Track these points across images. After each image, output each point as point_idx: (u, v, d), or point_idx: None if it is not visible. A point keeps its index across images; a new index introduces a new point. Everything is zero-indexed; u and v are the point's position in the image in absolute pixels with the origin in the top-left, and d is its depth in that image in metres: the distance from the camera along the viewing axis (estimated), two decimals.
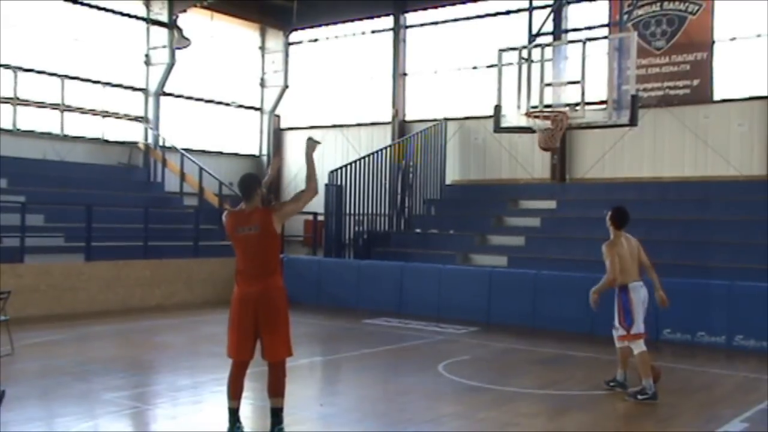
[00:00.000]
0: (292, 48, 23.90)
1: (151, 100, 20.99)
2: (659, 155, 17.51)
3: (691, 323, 12.21)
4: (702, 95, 16.89)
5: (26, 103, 18.54)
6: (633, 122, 13.29)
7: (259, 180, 6.68)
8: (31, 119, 18.64)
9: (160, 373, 9.98)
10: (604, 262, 8.67)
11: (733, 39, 16.66)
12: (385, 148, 19.65)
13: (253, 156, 24.20)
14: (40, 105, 18.84)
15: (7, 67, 18.05)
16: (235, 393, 6.41)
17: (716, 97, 16.84)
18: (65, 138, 19.26)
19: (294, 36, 23.81)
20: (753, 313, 11.70)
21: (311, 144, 6.61)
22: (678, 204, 16.15)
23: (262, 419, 6.64)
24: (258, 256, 6.29)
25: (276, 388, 6.32)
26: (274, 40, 23.92)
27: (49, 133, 18.97)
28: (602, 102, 14.02)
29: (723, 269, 13.34)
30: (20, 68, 18.31)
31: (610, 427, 7.35)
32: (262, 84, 24.12)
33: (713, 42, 16.79)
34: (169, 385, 9.11)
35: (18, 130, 18.33)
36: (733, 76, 16.68)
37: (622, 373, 8.73)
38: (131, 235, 16.52)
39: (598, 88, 13.97)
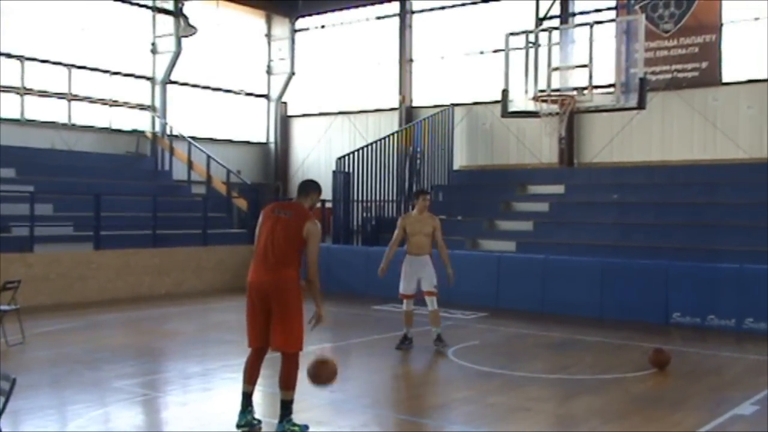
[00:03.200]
0: (298, 35, 23.83)
1: (157, 88, 21.00)
2: (668, 139, 17.42)
3: (701, 307, 12.19)
4: (711, 78, 16.78)
5: (33, 92, 18.57)
6: (641, 106, 13.23)
7: (319, 188, 6.76)
8: (38, 109, 18.68)
9: (170, 361, 10.01)
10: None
11: (741, 21, 16.52)
12: (393, 134, 19.60)
13: (261, 144, 24.19)
14: (48, 94, 18.87)
15: (14, 56, 18.06)
16: (250, 377, 6.47)
17: (725, 79, 16.72)
18: (73, 127, 19.30)
19: (300, 23, 23.74)
20: (763, 295, 11.66)
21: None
22: (687, 187, 16.08)
23: (272, 407, 6.66)
24: (280, 243, 6.29)
25: (285, 381, 6.32)
26: (280, 28, 23.86)
27: (56, 123, 19.00)
28: (610, 86, 13.95)
29: (732, 252, 13.29)
30: (27, 58, 18.33)
31: (621, 410, 7.34)
32: (269, 71, 24.09)
33: (721, 24, 16.65)
34: (180, 372, 9.14)
35: (25, 119, 18.37)
36: (742, 58, 16.55)
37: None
38: (140, 223, 16.55)
39: (605, 72, 13.90)
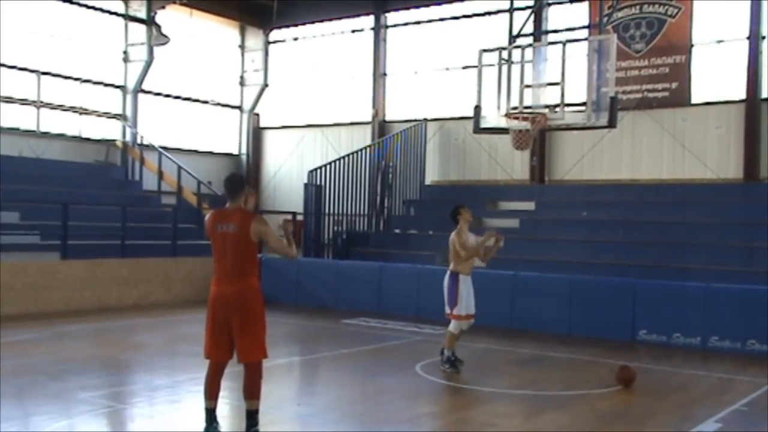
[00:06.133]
0: (271, 47, 23.82)
1: (129, 97, 20.85)
2: (637, 158, 17.64)
3: (667, 324, 12.31)
4: (680, 98, 17.04)
5: (2, 99, 18.32)
6: (612, 124, 13.36)
7: (244, 180, 6.62)
8: (6, 115, 18.42)
9: (137, 373, 9.90)
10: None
11: (711, 42, 16.82)
12: (365, 148, 19.63)
13: (232, 155, 24.09)
14: (16, 101, 18.64)
15: None
16: (212, 393, 6.38)
17: (694, 100, 17.00)
18: (42, 135, 19.09)
19: (274, 35, 23.73)
20: (728, 314, 11.82)
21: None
22: (655, 206, 16.29)
23: (239, 419, 6.61)
24: (233, 256, 6.24)
25: (251, 390, 6.27)
26: (254, 39, 23.83)
27: (25, 130, 18.77)
28: (581, 104, 14.07)
29: (700, 271, 13.46)
30: None
31: (586, 427, 7.38)
32: (242, 83, 24.03)
33: (692, 45, 16.95)
34: (146, 384, 9.04)
35: None
36: (711, 79, 16.85)
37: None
38: (108, 233, 16.38)
39: (577, 90, 14.03)
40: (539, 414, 7.86)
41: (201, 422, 6.41)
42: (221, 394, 6.49)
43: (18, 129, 18.64)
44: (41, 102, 19.09)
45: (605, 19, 17.32)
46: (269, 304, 6.46)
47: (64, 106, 19.57)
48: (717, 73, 16.78)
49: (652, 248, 14.97)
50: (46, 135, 19.17)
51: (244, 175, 6.12)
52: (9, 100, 18.46)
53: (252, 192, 6.61)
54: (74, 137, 19.82)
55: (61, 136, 19.51)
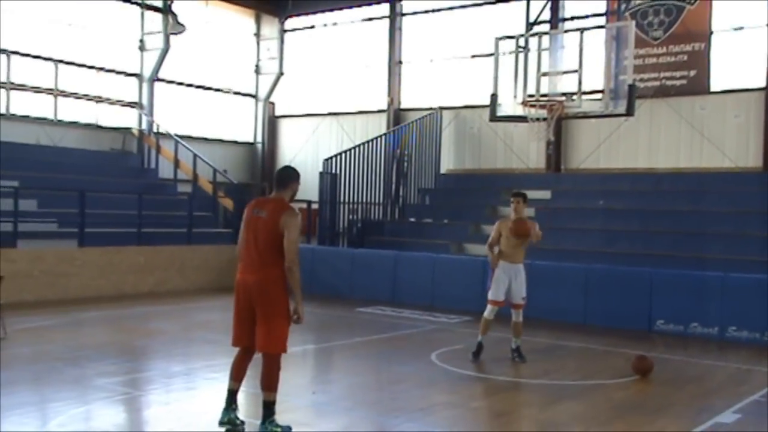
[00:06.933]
0: (287, 35, 23.78)
1: (145, 85, 20.89)
2: (654, 146, 17.49)
3: (685, 314, 12.24)
4: (699, 86, 16.87)
5: (20, 87, 18.44)
6: (630, 112, 13.28)
7: (295, 175, 6.56)
8: (24, 104, 18.54)
9: (153, 360, 9.95)
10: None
11: (730, 30, 16.63)
12: (380, 136, 19.58)
13: (248, 143, 24.12)
14: (34, 90, 18.74)
15: (0, 51, 17.92)
16: (236, 375, 6.43)
17: (713, 88, 16.82)
18: (59, 123, 19.17)
19: (289, 23, 23.68)
20: (746, 304, 11.74)
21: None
22: (673, 195, 16.16)
23: (255, 407, 6.62)
24: (261, 243, 6.22)
25: (267, 382, 6.27)
26: (270, 27, 23.80)
27: (42, 118, 18.87)
28: (599, 92, 13.99)
29: (717, 260, 13.35)
30: (14, 52, 18.20)
31: (603, 416, 7.35)
32: (257, 71, 24.02)
33: (711, 32, 16.75)
34: (162, 371, 9.08)
35: (11, 114, 18.23)
36: (730, 67, 16.65)
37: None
38: (124, 221, 16.46)
39: (594, 78, 13.94)
40: (555, 403, 7.83)
41: (217, 409, 6.43)
42: None
43: (36, 117, 18.73)
44: (59, 90, 19.17)
45: (623, 7, 17.21)
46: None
47: (81, 94, 19.65)
48: (736, 60, 16.59)
49: (668, 237, 14.86)
50: (63, 123, 19.26)
51: (293, 168, 6.06)
52: (27, 88, 18.54)
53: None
54: (91, 125, 19.90)
55: (78, 125, 19.60)
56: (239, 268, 6.39)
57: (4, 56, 18.02)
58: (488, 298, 9.86)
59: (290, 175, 6.51)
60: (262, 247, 6.22)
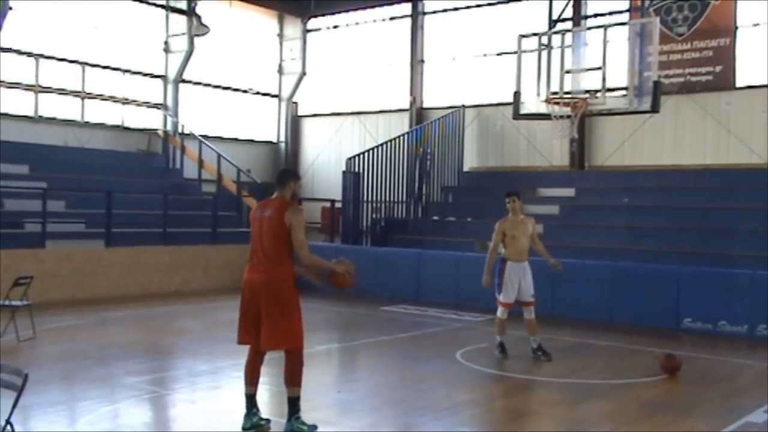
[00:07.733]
0: (309, 35, 23.84)
1: (170, 87, 21.05)
2: (680, 143, 17.33)
3: (713, 312, 12.11)
4: (724, 82, 16.69)
5: (47, 90, 18.64)
6: (655, 109, 13.15)
7: (295, 174, 6.72)
8: (52, 106, 18.75)
9: (179, 359, 10.03)
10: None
11: (756, 24, 16.43)
12: (403, 135, 19.58)
13: (271, 143, 24.22)
14: (61, 92, 18.95)
15: (28, 54, 18.15)
16: (251, 380, 6.46)
17: (739, 83, 16.63)
18: (86, 125, 19.37)
19: (312, 23, 23.75)
20: None
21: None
22: (699, 192, 15.99)
23: (280, 405, 6.65)
24: (267, 242, 6.29)
25: (290, 378, 6.32)
26: (292, 27, 23.88)
27: (70, 120, 19.07)
28: (623, 88, 13.89)
29: (745, 258, 13.20)
30: (42, 55, 18.41)
31: (631, 416, 7.30)
32: (280, 71, 24.11)
33: (736, 27, 16.57)
34: (188, 370, 9.16)
35: (39, 117, 18.44)
36: (756, 62, 16.44)
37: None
38: (150, 221, 16.60)
39: (618, 75, 13.84)
40: (582, 402, 7.79)
41: (242, 408, 6.48)
42: (262, 380, 6.55)
43: (63, 119, 18.94)
44: (86, 92, 19.36)
45: (647, 3, 17.06)
46: (306, 290, 6.45)
47: (107, 96, 19.83)
48: (763, 55, 16.38)
49: (695, 234, 14.71)
50: (90, 124, 19.46)
51: (292, 168, 6.17)
52: (55, 90, 18.74)
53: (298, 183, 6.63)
54: (117, 126, 20.08)
55: (104, 126, 19.79)
56: (247, 268, 6.45)
57: (32, 59, 18.23)
58: (499, 299, 9.85)
59: (287, 174, 6.68)
60: (267, 246, 6.29)
